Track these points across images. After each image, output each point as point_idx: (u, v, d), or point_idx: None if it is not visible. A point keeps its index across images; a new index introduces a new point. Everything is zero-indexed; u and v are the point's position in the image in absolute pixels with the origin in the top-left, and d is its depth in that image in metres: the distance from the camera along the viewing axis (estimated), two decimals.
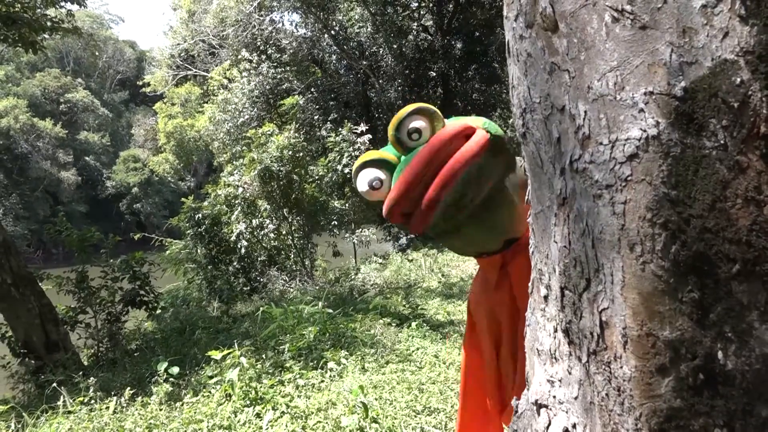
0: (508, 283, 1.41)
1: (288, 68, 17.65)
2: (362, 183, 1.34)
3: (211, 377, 4.65)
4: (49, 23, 7.66)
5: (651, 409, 0.62)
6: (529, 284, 0.87)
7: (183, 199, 10.38)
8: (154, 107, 36.65)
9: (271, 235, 10.42)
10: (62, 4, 8.68)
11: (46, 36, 8.02)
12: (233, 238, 9.85)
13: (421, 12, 18.89)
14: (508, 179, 1.32)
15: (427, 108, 1.33)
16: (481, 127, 1.29)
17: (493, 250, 1.39)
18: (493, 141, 1.26)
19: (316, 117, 17.04)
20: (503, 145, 1.29)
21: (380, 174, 1.33)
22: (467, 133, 1.27)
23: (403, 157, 1.33)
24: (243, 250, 9.84)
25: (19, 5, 7.28)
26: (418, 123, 1.31)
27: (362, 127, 11.44)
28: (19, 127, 36.96)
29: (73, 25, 8.72)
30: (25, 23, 7.06)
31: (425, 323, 6.22)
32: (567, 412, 0.75)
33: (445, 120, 1.39)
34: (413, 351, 5.24)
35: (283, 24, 19.56)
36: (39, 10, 8.00)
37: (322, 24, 17.14)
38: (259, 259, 10.57)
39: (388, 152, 1.39)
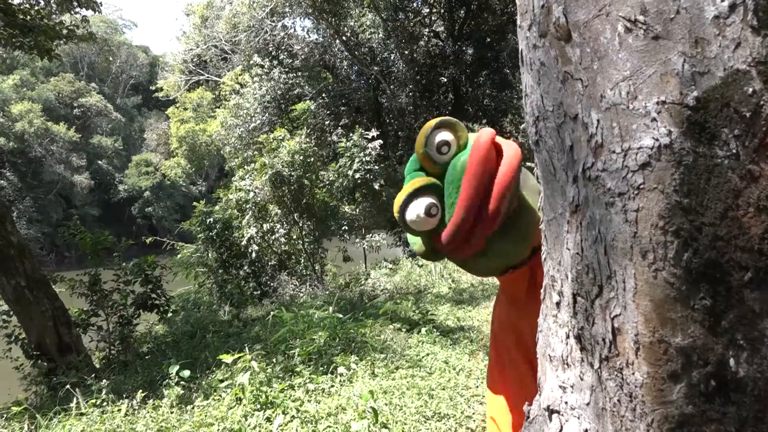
0: (538, 293, 1.40)
1: (299, 74, 17.72)
2: (417, 211, 1.33)
3: (221, 381, 4.67)
4: (64, 31, 7.75)
5: (663, 415, 0.62)
6: (542, 291, 0.88)
7: (194, 203, 10.44)
8: (166, 112, 36.93)
9: (282, 239, 10.45)
10: (77, 10, 8.78)
11: (61, 42, 8.12)
12: (244, 242, 9.89)
13: (433, 18, 18.92)
14: (525, 185, 1.33)
15: (448, 120, 1.35)
16: None
17: (523, 259, 1.39)
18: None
19: (327, 122, 17.09)
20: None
21: (435, 200, 1.33)
22: (494, 142, 1.30)
23: (447, 178, 1.34)
24: (254, 255, 9.88)
25: (34, 12, 7.38)
26: (445, 136, 1.32)
27: (373, 133, 11.47)
28: (34, 131, 37.37)
29: (88, 31, 8.82)
30: (41, 31, 7.15)
31: (435, 329, 6.21)
32: (579, 418, 0.75)
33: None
34: (423, 356, 5.23)
35: (294, 30, 19.66)
36: (54, 16, 8.09)
37: (334, 30, 17.21)
38: (269, 263, 10.61)
39: (422, 175, 1.38)
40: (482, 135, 1.30)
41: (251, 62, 18.15)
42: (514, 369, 1.56)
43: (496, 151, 1.31)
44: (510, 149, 1.28)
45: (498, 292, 1.63)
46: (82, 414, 4.34)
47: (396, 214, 1.38)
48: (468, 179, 1.25)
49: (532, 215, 1.31)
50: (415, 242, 1.48)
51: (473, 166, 1.25)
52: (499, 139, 1.34)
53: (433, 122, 1.33)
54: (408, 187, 1.35)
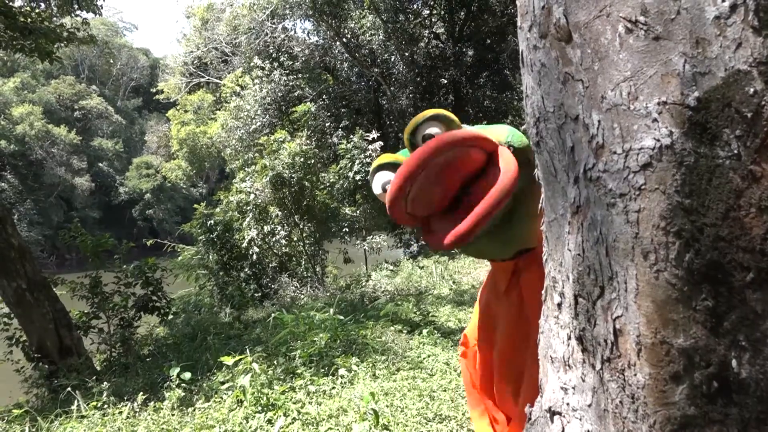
0: (517, 291, 1.41)
1: (300, 75, 17.74)
2: (376, 186, 1.36)
3: (222, 383, 4.66)
4: (65, 33, 7.76)
5: (665, 416, 0.62)
6: (543, 292, 0.88)
7: (195, 206, 10.45)
8: (167, 114, 36.99)
9: (283, 241, 10.45)
10: (77, 12, 8.79)
11: (62, 45, 8.13)
12: (245, 244, 9.89)
13: (433, 19, 18.94)
14: (531, 190, 1.32)
15: (444, 115, 1.34)
16: (504, 141, 1.30)
17: (504, 258, 1.39)
18: (519, 162, 1.26)
19: (327, 124, 17.11)
20: (526, 157, 1.28)
21: (393, 177, 1.34)
22: (474, 144, 1.27)
23: None
24: (254, 257, 9.88)
25: (35, 15, 7.39)
26: (434, 129, 1.32)
27: (373, 134, 11.49)
28: (35, 133, 37.39)
29: (89, 34, 8.83)
30: (42, 34, 7.15)
31: (436, 330, 6.20)
32: (581, 420, 0.75)
33: (465, 126, 1.40)
34: (424, 358, 5.22)
35: (295, 32, 19.69)
36: (55, 19, 8.10)
37: (334, 31, 17.21)
38: (270, 265, 10.60)
39: (401, 156, 1.40)
40: (460, 131, 1.31)
41: (252, 64, 18.17)
42: (486, 351, 1.59)
43: (482, 149, 1.29)
44: (508, 159, 1.26)
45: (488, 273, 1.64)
46: (83, 416, 4.34)
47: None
48: (412, 155, 1.25)
49: (530, 221, 1.30)
50: None
51: (423, 148, 1.24)
52: (501, 152, 1.30)
53: (428, 113, 1.33)
54: (375, 163, 1.39)
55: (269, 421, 3.81)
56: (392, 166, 1.37)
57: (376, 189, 1.35)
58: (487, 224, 1.26)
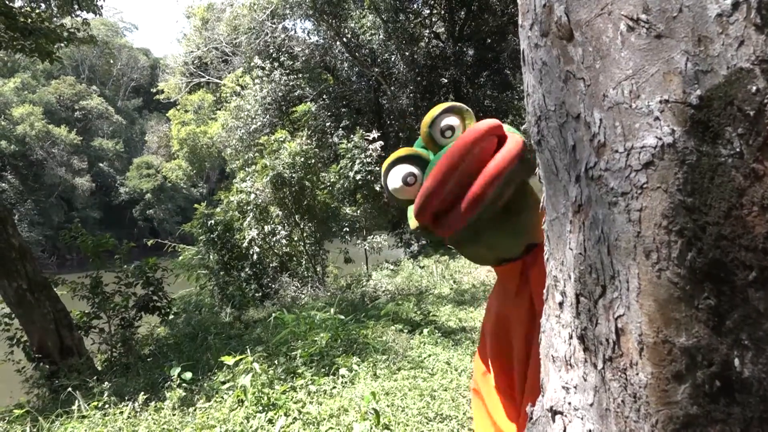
0: (528, 289, 1.40)
1: (300, 75, 17.75)
2: (395, 179, 1.33)
3: (223, 383, 4.66)
4: (65, 34, 7.76)
5: (667, 415, 0.62)
6: (544, 291, 0.88)
7: (196, 206, 10.45)
8: (167, 114, 37.03)
9: (283, 241, 10.46)
10: (77, 13, 8.80)
11: (62, 45, 8.14)
12: (245, 244, 9.90)
13: (433, 19, 18.95)
14: (532, 182, 1.32)
15: (459, 106, 1.34)
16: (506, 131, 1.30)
17: (515, 255, 1.39)
18: (524, 144, 1.27)
19: (327, 124, 17.13)
20: (527, 149, 1.30)
21: (414, 169, 1.33)
22: (497, 132, 1.28)
23: (434, 155, 1.33)
24: (255, 257, 9.88)
25: (35, 15, 7.39)
26: (451, 120, 1.32)
27: (374, 134, 11.49)
28: (35, 133, 37.40)
29: (89, 34, 8.83)
30: (42, 34, 7.15)
31: (437, 330, 6.20)
32: (582, 419, 0.75)
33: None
34: (425, 358, 5.22)
35: (295, 31, 19.71)
36: (55, 19, 8.10)
37: (335, 31, 17.22)
38: (270, 265, 10.60)
39: (418, 149, 1.39)
40: (481, 123, 1.29)
41: (252, 64, 18.19)
42: (503, 358, 1.56)
43: (498, 142, 1.30)
44: (511, 140, 1.28)
45: (495, 281, 1.63)
46: (84, 416, 4.34)
47: (382, 180, 1.39)
48: (445, 155, 1.24)
49: (534, 212, 1.31)
50: (410, 217, 1.49)
51: (455, 146, 1.25)
52: (509, 132, 1.33)
53: (442, 106, 1.33)
54: (393, 155, 1.36)
55: (270, 421, 3.81)
56: (410, 159, 1.35)
57: (395, 182, 1.32)
58: (492, 205, 1.25)
